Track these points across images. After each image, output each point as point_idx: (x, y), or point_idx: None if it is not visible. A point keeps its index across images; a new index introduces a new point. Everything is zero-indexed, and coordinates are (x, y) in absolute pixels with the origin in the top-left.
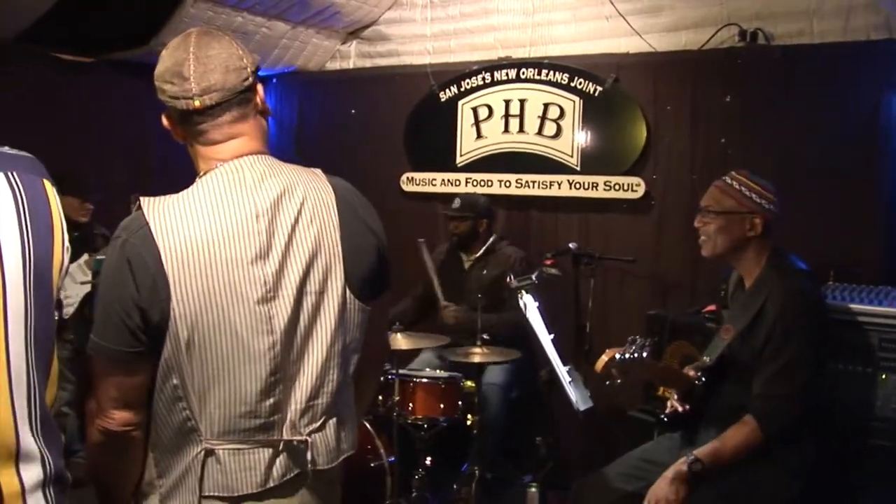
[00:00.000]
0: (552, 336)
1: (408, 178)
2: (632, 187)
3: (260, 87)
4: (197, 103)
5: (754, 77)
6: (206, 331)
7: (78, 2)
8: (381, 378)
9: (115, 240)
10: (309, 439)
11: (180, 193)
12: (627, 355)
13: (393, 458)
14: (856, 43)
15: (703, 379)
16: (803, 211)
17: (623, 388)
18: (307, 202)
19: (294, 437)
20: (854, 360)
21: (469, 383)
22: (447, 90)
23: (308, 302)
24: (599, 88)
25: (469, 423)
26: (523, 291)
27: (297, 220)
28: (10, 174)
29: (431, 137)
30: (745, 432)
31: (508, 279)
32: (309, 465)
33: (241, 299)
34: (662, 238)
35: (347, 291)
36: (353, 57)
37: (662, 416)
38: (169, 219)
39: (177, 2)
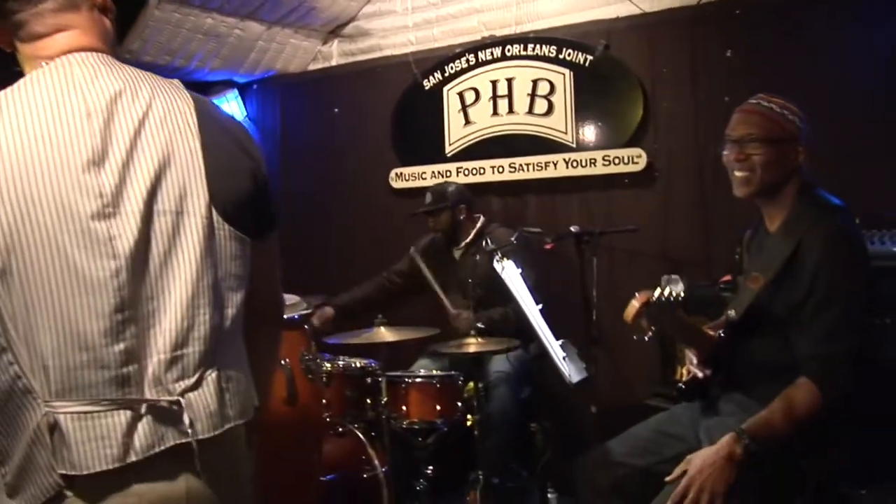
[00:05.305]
0: (540, 306)
1: (396, 174)
2: (632, 160)
3: None
4: None
5: (755, 28)
6: (26, 252)
7: None
8: (369, 379)
9: None
10: (182, 399)
11: None
12: (665, 295)
13: (386, 468)
14: None
15: (722, 335)
16: (821, 161)
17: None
18: (155, 106)
19: (161, 397)
20: None
21: (471, 385)
22: (431, 77)
23: (162, 223)
24: (590, 58)
25: (470, 423)
26: (499, 254)
27: (141, 124)
28: None
29: (418, 129)
30: (801, 398)
31: (485, 242)
32: (189, 434)
33: (71, 212)
34: (669, 210)
35: (214, 213)
36: (335, 57)
37: (680, 385)
38: None
39: (141, 5)
